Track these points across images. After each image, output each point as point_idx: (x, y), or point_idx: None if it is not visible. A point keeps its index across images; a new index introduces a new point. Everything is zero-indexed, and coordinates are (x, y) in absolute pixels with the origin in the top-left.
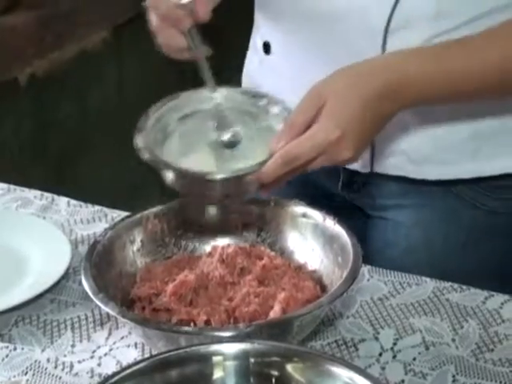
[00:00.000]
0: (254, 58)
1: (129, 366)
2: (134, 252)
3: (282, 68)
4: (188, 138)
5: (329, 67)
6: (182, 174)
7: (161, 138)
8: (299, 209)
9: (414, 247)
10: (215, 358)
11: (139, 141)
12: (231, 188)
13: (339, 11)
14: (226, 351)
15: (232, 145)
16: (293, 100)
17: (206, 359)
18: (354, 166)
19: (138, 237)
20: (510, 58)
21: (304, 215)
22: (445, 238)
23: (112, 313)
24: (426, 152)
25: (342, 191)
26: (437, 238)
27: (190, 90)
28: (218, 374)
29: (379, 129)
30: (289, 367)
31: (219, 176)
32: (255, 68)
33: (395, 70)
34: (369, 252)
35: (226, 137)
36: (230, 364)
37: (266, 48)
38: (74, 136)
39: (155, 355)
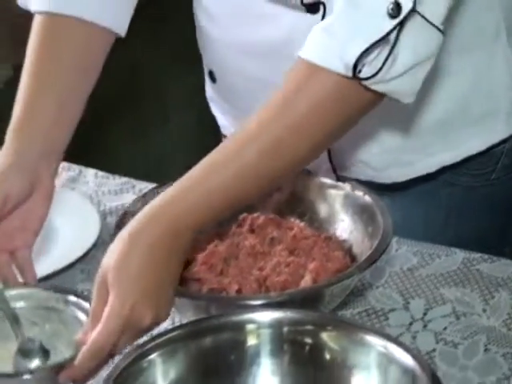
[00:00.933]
0: (207, 83)
1: (163, 333)
2: None
3: (228, 95)
4: None
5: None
6: None
7: None
8: (328, 180)
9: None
10: (249, 326)
11: None
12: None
13: (276, 42)
14: (260, 319)
15: (30, 352)
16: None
17: (239, 327)
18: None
19: None
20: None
21: (333, 186)
22: (424, 221)
23: None
24: (385, 158)
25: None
26: (416, 221)
27: None
28: (251, 341)
29: (173, 275)
30: (322, 335)
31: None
32: (210, 94)
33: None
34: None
35: (22, 347)
36: (264, 332)
37: (211, 76)
38: (102, 108)
39: (189, 323)
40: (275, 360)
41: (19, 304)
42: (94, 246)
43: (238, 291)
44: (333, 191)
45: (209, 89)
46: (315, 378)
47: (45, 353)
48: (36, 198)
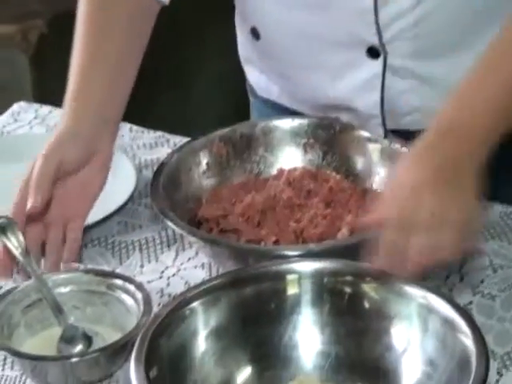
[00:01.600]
0: (244, 43)
1: (205, 282)
2: (200, 175)
3: (273, 52)
4: (33, 327)
5: (320, 48)
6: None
7: (7, 333)
8: (364, 132)
9: None
10: (290, 276)
11: None
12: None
13: None
14: (301, 269)
15: (73, 338)
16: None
17: (280, 277)
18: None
19: (204, 160)
20: None
21: (370, 139)
22: None
23: (183, 232)
24: (440, 103)
25: None
26: None
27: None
28: (291, 291)
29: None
30: (362, 286)
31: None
32: (248, 53)
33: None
34: None
35: (65, 333)
36: (305, 282)
37: (255, 33)
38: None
39: (231, 272)
40: (315, 310)
41: (61, 289)
42: (130, 198)
43: (276, 242)
44: (369, 144)
45: (246, 48)
46: (354, 328)
47: (87, 339)
48: (93, 167)
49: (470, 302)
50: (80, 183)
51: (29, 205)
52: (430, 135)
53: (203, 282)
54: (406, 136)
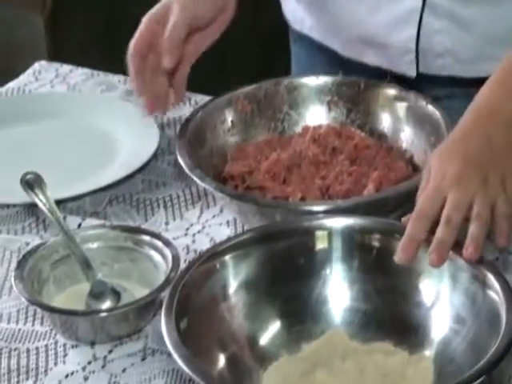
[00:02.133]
0: None
1: (235, 237)
2: (225, 132)
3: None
4: (62, 283)
5: None
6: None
7: (37, 288)
8: (389, 90)
9: None
10: (319, 232)
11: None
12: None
13: None
14: (331, 225)
15: (102, 294)
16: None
17: (310, 232)
18: (401, 70)
19: (229, 117)
20: None
21: (394, 96)
22: None
23: (210, 188)
24: (472, 49)
25: None
26: None
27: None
28: (321, 247)
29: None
30: (392, 242)
31: None
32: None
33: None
34: None
35: (93, 289)
36: (334, 238)
37: None
38: None
39: (261, 227)
40: (344, 266)
41: (88, 245)
42: (154, 156)
43: (302, 199)
44: (394, 101)
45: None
46: (383, 285)
47: (116, 294)
48: (217, 23)
49: (496, 259)
50: (202, 37)
51: (163, 64)
52: (469, 119)
53: (234, 237)
54: (436, 83)
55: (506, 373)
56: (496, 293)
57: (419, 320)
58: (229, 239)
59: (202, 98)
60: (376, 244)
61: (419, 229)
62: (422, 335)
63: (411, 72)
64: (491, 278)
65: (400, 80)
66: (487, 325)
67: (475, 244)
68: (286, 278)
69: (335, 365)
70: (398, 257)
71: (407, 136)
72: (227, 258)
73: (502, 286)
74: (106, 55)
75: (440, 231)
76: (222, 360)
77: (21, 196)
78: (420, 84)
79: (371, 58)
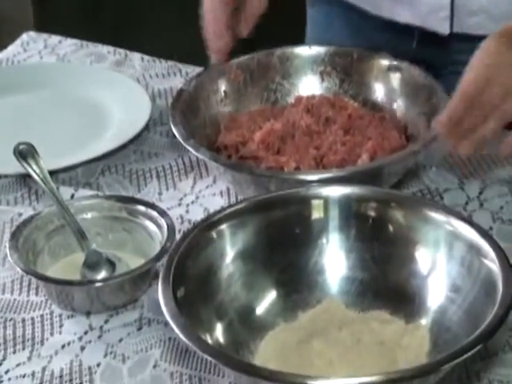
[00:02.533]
0: None
1: (232, 205)
2: (218, 102)
3: None
4: (57, 253)
5: None
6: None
7: (32, 258)
8: (383, 60)
9: None
10: (316, 201)
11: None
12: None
13: None
14: (327, 194)
15: (97, 264)
16: None
17: (306, 201)
18: (433, 27)
19: (222, 87)
20: None
21: (388, 66)
22: None
23: (204, 158)
24: (507, 7)
25: (416, 49)
26: None
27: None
28: (317, 215)
29: None
30: (389, 211)
31: None
32: None
33: None
34: None
35: (88, 259)
36: (331, 207)
37: None
38: None
39: (258, 196)
40: (341, 235)
41: (82, 216)
42: (146, 127)
43: (296, 169)
44: (387, 71)
45: None
46: (380, 254)
47: (111, 264)
48: None
49: (490, 228)
50: None
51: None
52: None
53: (230, 206)
54: (468, 42)
55: (501, 340)
56: (492, 261)
57: (415, 289)
58: (225, 208)
59: (193, 70)
60: (372, 213)
61: (461, 108)
62: (418, 304)
63: (444, 29)
64: (487, 247)
65: (431, 38)
66: (483, 293)
67: None
68: (283, 247)
69: (332, 334)
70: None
71: (400, 106)
72: (224, 227)
73: (498, 254)
74: (94, 26)
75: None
76: (218, 329)
77: (13, 166)
78: (451, 42)
79: (403, 15)
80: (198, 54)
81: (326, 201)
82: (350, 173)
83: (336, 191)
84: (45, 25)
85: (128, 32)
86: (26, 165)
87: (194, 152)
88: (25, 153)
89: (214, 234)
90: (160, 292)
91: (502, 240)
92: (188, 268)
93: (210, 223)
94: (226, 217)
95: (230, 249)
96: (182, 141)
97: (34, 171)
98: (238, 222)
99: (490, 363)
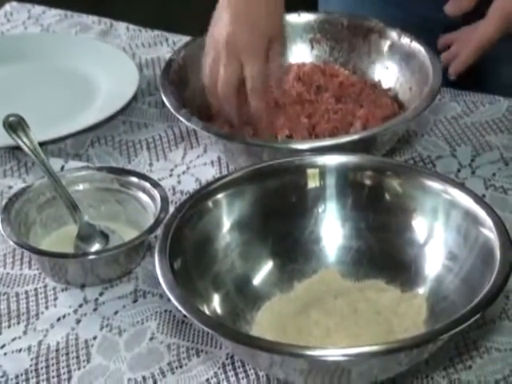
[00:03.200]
0: None
1: (228, 175)
2: None
3: None
4: (49, 226)
5: None
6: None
7: (24, 231)
8: (373, 26)
9: None
10: (311, 170)
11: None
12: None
13: None
14: (323, 163)
15: (90, 236)
16: None
17: (302, 170)
18: None
19: None
20: None
21: (378, 33)
22: None
23: (196, 127)
24: None
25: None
26: None
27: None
28: (313, 184)
29: None
30: (384, 180)
31: None
32: None
33: None
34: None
35: (81, 231)
36: (327, 175)
37: None
38: None
39: (254, 165)
40: (337, 204)
41: (74, 188)
42: (134, 97)
43: (289, 137)
44: (378, 38)
45: None
46: (376, 223)
47: (104, 236)
48: None
49: (483, 196)
50: None
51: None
52: None
53: (225, 175)
54: None
55: (497, 308)
56: (489, 229)
57: (412, 257)
58: (221, 177)
59: (180, 39)
60: (368, 181)
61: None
62: (414, 273)
63: None
64: (484, 215)
65: None
66: (480, 262)
67: None
68: (279, 217)
69: (328, 303)
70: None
71: (391, 73)
72: (220, 196)
73: (495, 222)
74: None
75: None
76: (216, 300)
77: (1, 138)
78: None
79: None
80: (185, 23)
81: (322, 170)
82: (343, 142)
83: (332, 160)
84: None
85: (114, 1)
86: (15, 137)
87: (185, 122)
88: (15, 125)
89: (211, 204)
90: (157, 264)
91: (495, 207)
92: (184, 239)
93: (205, 193)
94: (222, 186)
95: (226, 218)
96: (173, 111)
97: (25, 143)
98: (235, 192)
99: (487, 331)
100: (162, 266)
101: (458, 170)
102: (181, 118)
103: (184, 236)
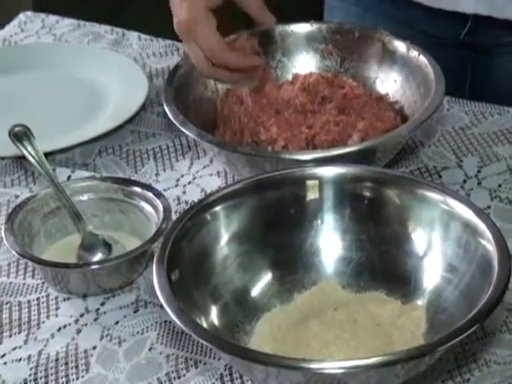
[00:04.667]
0: None
1: (226, 187)
2: None
3: None
4: (52, 235)
5: None
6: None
7: (28, 241)
8: (384, 39)
9: None
10: (310, 181)
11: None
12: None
13: None
14: (322, 174)
15: (93, 246)
16: None
17: (301, 182)
18: (505, 15)
19: None
20: None
21: (388, 45)
22: None
23: (195, 137)
24: None
25: (465, 36)
26: None
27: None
28: (312, 196)
29: None
30: (383, 191)
31: None
32: None
33: None
34: (486, 90)
35: (84, 241)
36: (325, 187)
37: None
38: None
39: (252, 177)
40: (336, 215)
41: (79, 197)
42: (143, 107)
43: (284, 147)
44: (388, 50)
45: None
46: (375, 234)
47: (107, 246)
48: None
49: (488, 207)
50: None
51: None
52: None
53: (224, 187)
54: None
55: (498, 321)
56: (488, 241)
57: (411, 269)
58: (219, 190)
59: None
60: (368, 193)
61: None
62: (414, 284)
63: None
64: (483, 227)
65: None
66: (479, 273)
67: None
68: (278, 229)
69: (327, 315)
70: None
71: (398, 86)
72: (218, 208)
73: (494, 234)
74: (93, 7)
75: None
76: (213, 311)
77: (10, 148)
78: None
79: (469, 6)
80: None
81: (321, 181)
82: (344, 152)
83: (330, 171)
84: (42, 6)
85: (127, 11)
86: (21, 147)
87: (187, 132)
88: (20, 135)
89: (209, 216)
90: (154, 275)
91: (500, 219)
92: (183, 250)
93: (204, 205)
94: (220, 198)
95: (224, 231)
96: (172, 118)
97: (30, 153)
98: (233, 204)
99: (486, 343)
100: (160, 278)
101: (464, 181)
102: (181, 128)
103: (182, 248)
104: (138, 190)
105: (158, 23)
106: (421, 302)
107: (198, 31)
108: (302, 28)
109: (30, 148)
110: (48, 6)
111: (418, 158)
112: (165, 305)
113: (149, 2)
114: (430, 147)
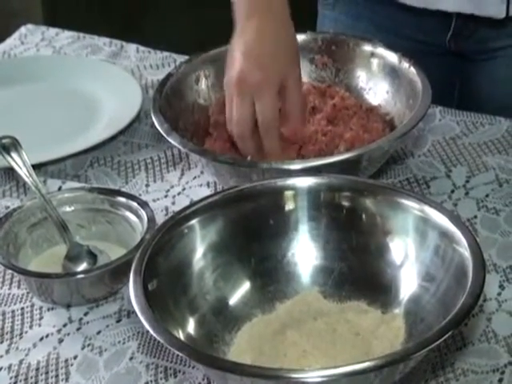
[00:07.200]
0: None
1: (202, 200)
2: (209, 86)
3: None
4: (39, 246)
5: None
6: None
7: (13, 251)
8: (377, 50)
9: None
10: (287, 192)
11: None
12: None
13: None
14: (299, 185)
15: (78, 256)
16: None
17: (278, 193)
18: (487, 12)
19: (213, 71)
20: None
21: (381, 57)
22: None
23: (177, 145)
24: None
25: (450, 40)
26: None
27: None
28: (290, 207)
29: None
30: (361, 200)
31: None
32: None
33: None
34: (475, 97)
35: (70, 251)
36: (303, 197)
37: None
38: None
39: (227, 189)
40: (314, 226)
41: (65, 208)
42: (136, 118)
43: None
44: (379, 61)
45: None
46: (356, 244)
47: (93, 256)
48: None
49: (475, 216)
50: None
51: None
52: None
53: (201, 199)
54: None
55: (478, 330)
56: (465, 249)
57: (391, 278)
58: (195, 203)
59: None
60: (346, 202)
61: None
62: (393, 294)
63: (500, 13)
64: (460, 235)
65: (489, 21)
66: (455, 281)
67: None
68: (258, 239)
69: (307, 324)
70: None
71: (389, 98)
72: (194, 222)
73: (469, 242)
74: (105, 20)
75: None
76: (191, 322)
77: (0, 160)
78: (506, 26)
79: (452, 4)
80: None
81: (297, 191)
82: (330, 162)
83: (307, 181)
84: (54, 20)
85: (140, 24)
86: (8, 158)
87: (176, 144)
88: (7, 146)
89: (185, 230)
90: (131, 286)
91: (486, 228)
92: (160, 262)
93: (181, 218)
94: (195, 211)
95: (200, 243)
96: (157, 126)
97: (17, 164)
98: (208, 216)
99: (465, 353)
100: (136, 288)
101: (452, 191)
102: (166, 137)
103: (160, 259)
104: (123, 200)
105: (155, 39)
106: (400, 311)
107: (265, 92)
108: (297, 38)
109: (17, 159)
110: (60, 21)
111: (408, 167)
112: (139, 314)
113: (148, 21)
114: (420, 157)
